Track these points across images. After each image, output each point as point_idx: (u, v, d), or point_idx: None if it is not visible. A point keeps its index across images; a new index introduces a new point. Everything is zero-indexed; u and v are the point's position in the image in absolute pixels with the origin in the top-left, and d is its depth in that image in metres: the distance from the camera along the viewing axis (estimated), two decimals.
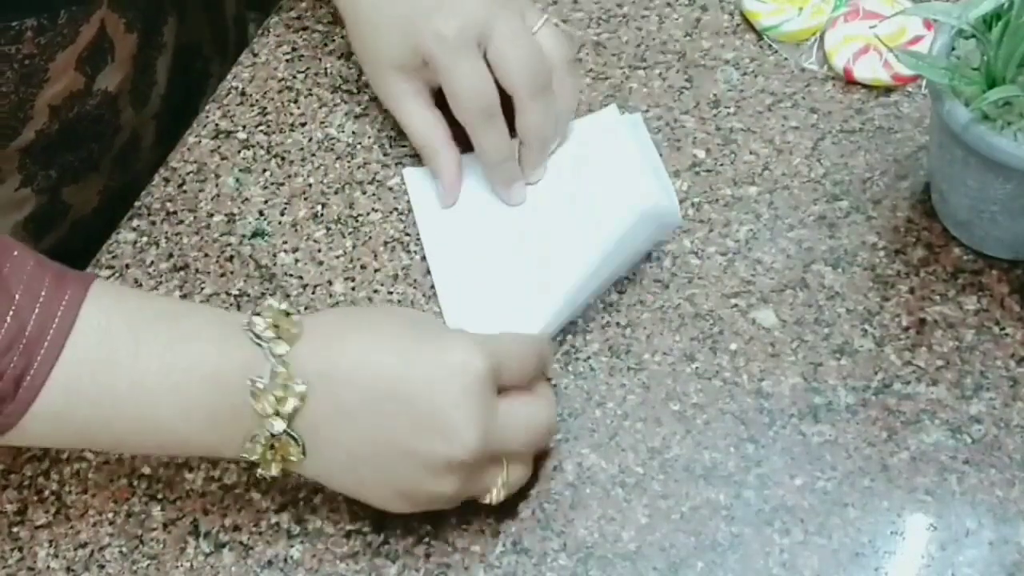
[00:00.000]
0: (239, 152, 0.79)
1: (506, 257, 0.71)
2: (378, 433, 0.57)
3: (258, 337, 0.56)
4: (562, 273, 0.67)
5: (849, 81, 0.79)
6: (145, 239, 0.75)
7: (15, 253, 0.56)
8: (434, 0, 0.69)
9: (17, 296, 0.55)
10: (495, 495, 0.60)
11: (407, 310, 0.69)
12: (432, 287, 0.71)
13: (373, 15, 0.72)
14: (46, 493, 0.66)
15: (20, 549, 0.64)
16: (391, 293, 0.72)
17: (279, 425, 0.56)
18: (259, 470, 0.58)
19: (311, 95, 0.81)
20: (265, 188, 0.77)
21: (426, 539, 0.63)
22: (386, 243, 0.74)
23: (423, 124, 0.74)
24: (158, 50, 0.83)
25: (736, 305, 0.70)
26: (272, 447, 0.57)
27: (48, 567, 0.64)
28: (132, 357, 0.56)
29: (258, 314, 0.57)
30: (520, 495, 0.64)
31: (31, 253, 0.57)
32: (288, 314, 0.58)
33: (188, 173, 0.78)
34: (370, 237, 0.74)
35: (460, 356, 0.57)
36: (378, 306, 0.70)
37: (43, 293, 0.55)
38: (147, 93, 0.84)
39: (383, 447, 0.57)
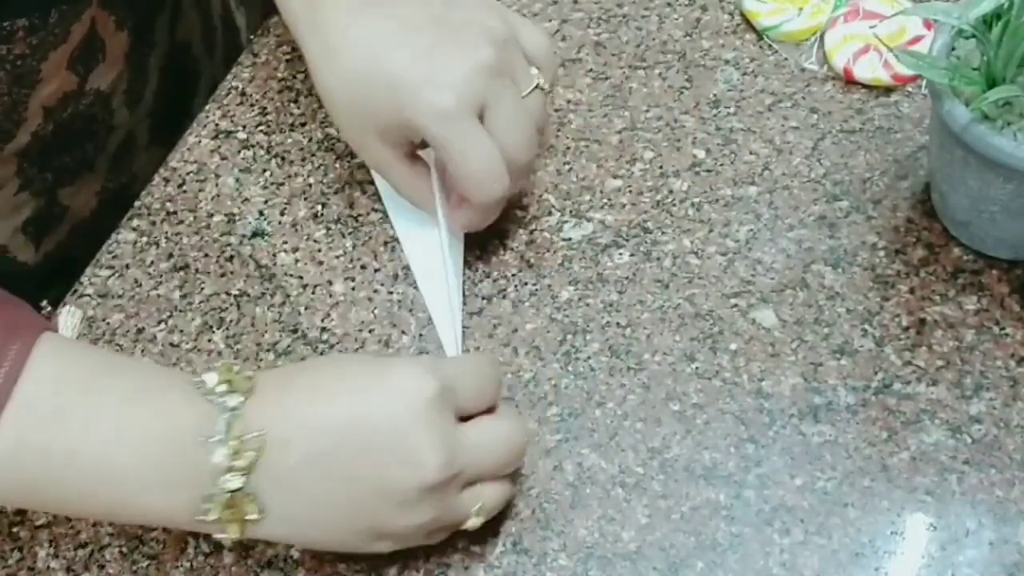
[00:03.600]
0: (239, 152, 0.79)
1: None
2: (341, 475, 0.55)
3: (210, 392, 0.55)
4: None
5: (849, 81, 0.79)
6: (145, 239, 0.75)
7: None
8: (425, 69, 0.63)
9: None
10: (473, 522, 0.59)
11: (352, 355, 0.68)
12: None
13: (353, 78, 0.65)
14: None
15: (20, 549, 0.64)
16: (391, 293, 0.72)
17: (235, 482, 0.53)
18: (216, 534, 0.55)
19: (311, 95, 0.81)
20: (265, 188, 0.77)
21: None
22: (386, 243, 0.74)
23: (416, 189, 0.69)
24: (150, 48, 0.84)
25: (736, 305, 0.70)
26: (229, 507, 0.54)
27: (48, 567, 0.64)
28: (85, 410, 0.54)
29: (209, 371, 0.56)
30: (520, 495, 0.64)
31: None
32: (237, 370, 0.56)
33: (188, 173, 0.78)
34: (370, 237, 0.74)
35: (408, 381, 0.55)
36: (324, 356, 0.68)
37: None
38: (140, 92, 0.84)
39: (348, 488, 0.55)
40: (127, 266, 0.74)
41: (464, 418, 0.59)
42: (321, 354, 0.69)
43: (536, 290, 0.71)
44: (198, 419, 0.54)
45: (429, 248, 0.72)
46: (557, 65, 0.70)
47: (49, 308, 0.74)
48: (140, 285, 0.73)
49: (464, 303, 0.71)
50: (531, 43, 0.67)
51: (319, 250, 0.74)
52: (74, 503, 0.56)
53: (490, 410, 0.60)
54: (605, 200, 0.75)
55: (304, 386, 0.56)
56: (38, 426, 0.53)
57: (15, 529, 0.65)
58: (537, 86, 0.66)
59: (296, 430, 0.54)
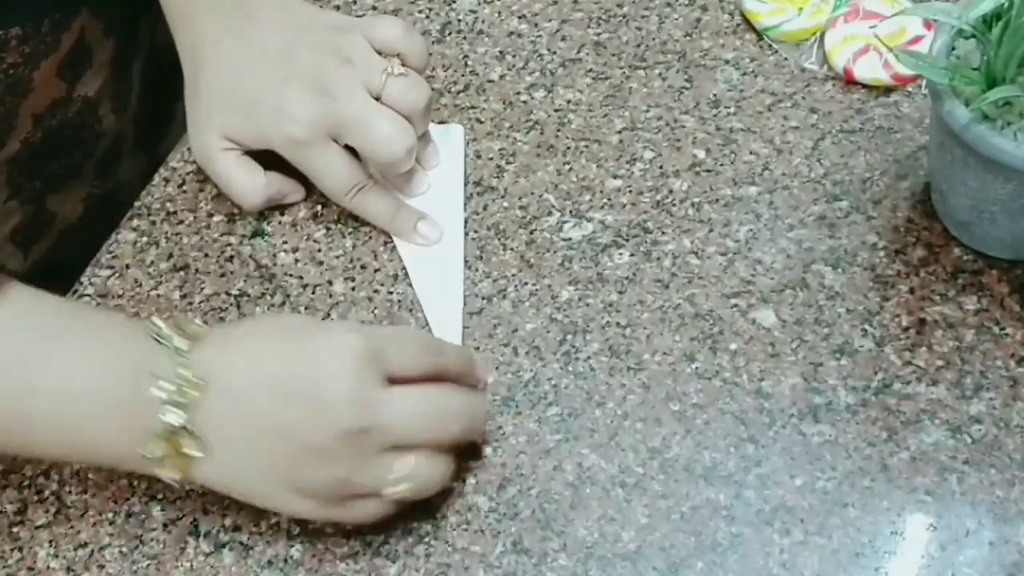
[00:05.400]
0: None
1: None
2: (266, 425, 0.58)
3: (160, 334, 0.58)
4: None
5: (849, 81, 0.79)
6: (145, 239, 0.75)
7: None
8: (274, 97, 0.70)
9: None
10: (397, 488, 0.59)
11: (294, 315, 0.71)
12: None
13: (215, 88, 0.72)
14: (46, 493, 0.66)
15: (20, 549, 0.64)
16: (391, 293, 0.72)
17: (176, 417, 0.56)
18: (158, 471, 0.58)
19: None
20: None
21: (426, 539, 0.63)
22: (386, 243, 0.74)
23: (248, 181, 0.73)
24: (134, 53, 0.84)
25: (736, 305, 0.70)
26: (170, 442, 0.57)
27: (48, 567, 0.64)
28: (44, 345, 0.58)
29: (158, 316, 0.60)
30: (520, 495, 0.64)
31: None
32: (187, 322, 0.60)
33: (188, 173, 0.78)
34: (370, 237, 0.74)
35: (335, 339, 0.59)
36: (269, 313, 0.71)
37: None
38: (126, 97, 0.84)
39: (271, 438, 0.58)
40: (127, 266, 0.74)
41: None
42: None
43: (536, 290, 0.71)
44: (147, 355, 0.58)
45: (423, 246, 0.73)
46: (419, 42, 0.72)
47: None
48: (140, 285, 0.73)
49: (464, 303, 0.71)
50: (384, 37, 0.71)
51: (319, 250, 0.74)
52: (32, 443, 0.59)
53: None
54: (605, 200, 0.75)
55: (245, 340, 0.60)
56: (5, 364, 0.57)
57: (15, 529, 0.65)
58: (389, 75, 0.70)
59: (234, 379, 0.58)
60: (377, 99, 0.70)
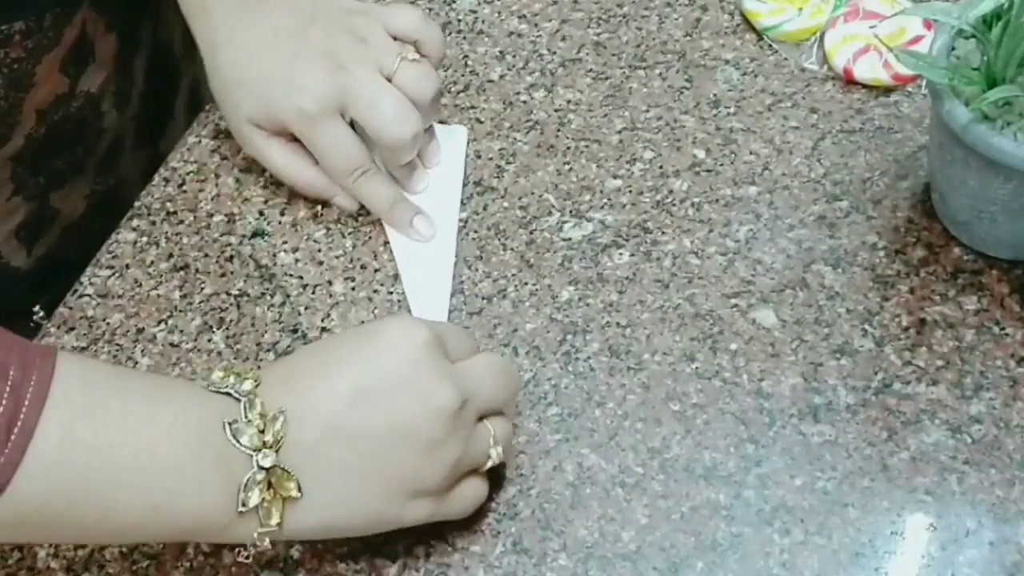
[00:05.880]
0: (239, 152, 0.78)
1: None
2: (364, 437, 0.56)
3: (221, 384, 0.56)
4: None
5: (849, 81, 0.79)
6: (145, 239, 0.75)
7: None
8: (286, 71, 0.70)
9: None
10: (495, 455, 0.60)
11: (341, 332, 0.70)
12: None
13: (230, 71, 0.72)
14: None
15: (20, 549, 0.64)
16: (391, 293, 0.72)
17: (269, 458, 0.54)
18: (257, 531, 0.55)
19: None
20: (265, 188, 0.77)
21: (426, 539, 0.63)
22: (386, 243, 0.74)
23: (290, 168, 0.74)
24: (136, 49, 0.84)
25: (736, 305, 0.70)
26: (269, 485, 0.54)
27: (48, 567, 0.64)
28: (119, 403, 0.53)
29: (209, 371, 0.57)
30: (520, 495, 0.64)
31: None
32: (237, 368, 0.58)
33: (188, 173, 0.78)
34: (370, 237, 0.74)
35: (402, 333, 0.58)
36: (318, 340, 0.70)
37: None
38: (128, 93, 0.84)
39: (375, 448, 0.56)
40: (127, 266, 0.74)
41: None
42: None
43: (536, 290, 0.71)
44: (220, 407, 0.55)
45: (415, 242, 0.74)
46: (437, 32, 0.73)
47: (42, 313, 0.73)
48: (140, 285, 0.73)
49: (464, 303, 0.71)
50: (401, 24, 0.72)
51: (319, 250, 0.74)
52: (111, 512, 0.53)
53: None
54: (605, 200, 0.75)
55: (306, 366, 0.58)
56: (77, 422, 0.52)
57: None
58: (403, 59, 0.71)
59: (309, 406, 0.56)
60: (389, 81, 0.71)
